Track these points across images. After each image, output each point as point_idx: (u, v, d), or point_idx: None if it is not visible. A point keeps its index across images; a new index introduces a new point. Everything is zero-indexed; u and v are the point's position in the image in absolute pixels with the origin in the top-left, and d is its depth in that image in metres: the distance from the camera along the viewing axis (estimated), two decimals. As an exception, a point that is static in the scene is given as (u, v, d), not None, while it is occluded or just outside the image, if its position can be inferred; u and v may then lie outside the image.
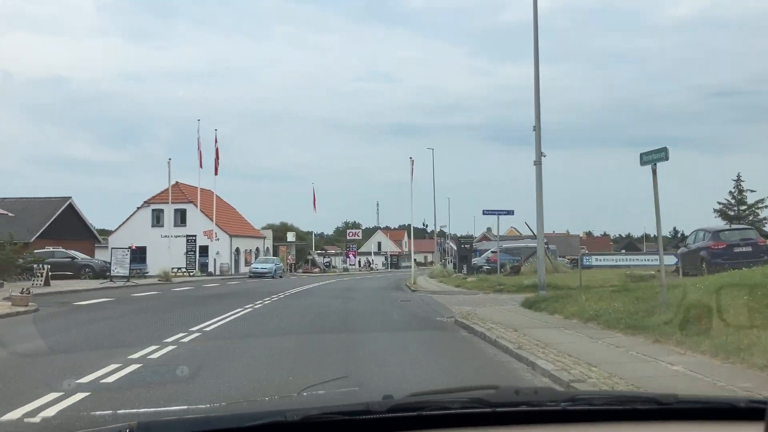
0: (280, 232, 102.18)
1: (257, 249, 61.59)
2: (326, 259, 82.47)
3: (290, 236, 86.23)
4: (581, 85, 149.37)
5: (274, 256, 64.72)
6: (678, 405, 1.89)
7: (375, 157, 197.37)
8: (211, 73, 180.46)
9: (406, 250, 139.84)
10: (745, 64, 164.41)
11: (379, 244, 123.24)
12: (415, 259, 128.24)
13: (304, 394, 3.52)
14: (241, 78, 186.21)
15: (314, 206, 79.31)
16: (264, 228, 67.35)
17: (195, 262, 48.56)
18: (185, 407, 4.50)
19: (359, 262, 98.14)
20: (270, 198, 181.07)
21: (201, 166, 49.47)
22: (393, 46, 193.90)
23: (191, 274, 47.33)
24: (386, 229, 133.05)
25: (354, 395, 2.95)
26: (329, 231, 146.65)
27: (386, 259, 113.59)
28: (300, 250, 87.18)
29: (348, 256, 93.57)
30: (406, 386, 5.39)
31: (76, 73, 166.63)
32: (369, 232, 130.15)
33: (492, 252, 43.51)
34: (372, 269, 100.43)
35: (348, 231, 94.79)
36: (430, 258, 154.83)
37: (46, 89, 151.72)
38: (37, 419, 5.01)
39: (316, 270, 74.25)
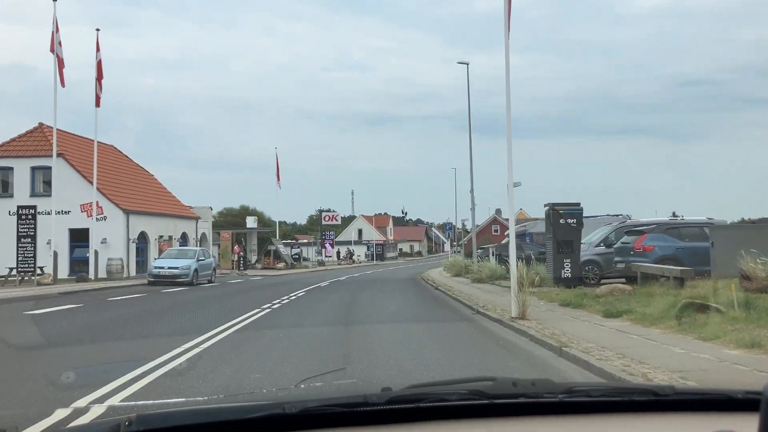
0: (238, 217, 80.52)
1: (183, 235, 38.75)
2: (295, 250, 59.70)
3: (250, 221, 64.10)
4: (552, 75, 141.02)
5: (214, 245, 42.20)
6: (675, 396, 1.84)
7: (348, 147, 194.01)
8: (180, 61, 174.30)
9: (392, 238, 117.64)
10: (711, 54, 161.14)
11: (360, 231, 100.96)
12: (401, 249, 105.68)
13: (302, 386, 3.97)
14: (211, 66, 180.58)
15: (278, 178, 56.89)
16: (199, 207, 44.18)
17: (30, 256, 25.38)
18: (183, 399, 4.98)
19: (337, 253, 75.62)
20: (240, 187, 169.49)
21: (62, 83, 26.70)
22: (366, 35, 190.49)
23: (38, 279, 24.57)
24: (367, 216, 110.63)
25: (352, 387, 2.96)
26: (302, 220, 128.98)
27: (369, 249, 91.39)
28: (263, 239, 64.90)
29: (324, 246, 71.17)
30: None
31: (41, 62, 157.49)
32: (345, 222, 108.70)
33: (621, 232, 21.30)
34: (354, 261, 78.07)
35: (323, 214, 72.23)
36: (416, 247, 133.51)
37: (9, 78, 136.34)
38: None
39: (281, 265, 51.77)
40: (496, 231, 70.73)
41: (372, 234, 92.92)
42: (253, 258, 55.56)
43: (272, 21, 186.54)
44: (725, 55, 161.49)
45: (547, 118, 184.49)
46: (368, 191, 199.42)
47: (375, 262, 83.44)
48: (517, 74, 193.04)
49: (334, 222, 73.80)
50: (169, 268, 25.44)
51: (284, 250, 53.90)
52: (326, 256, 71.86)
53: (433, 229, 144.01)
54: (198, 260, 26.90)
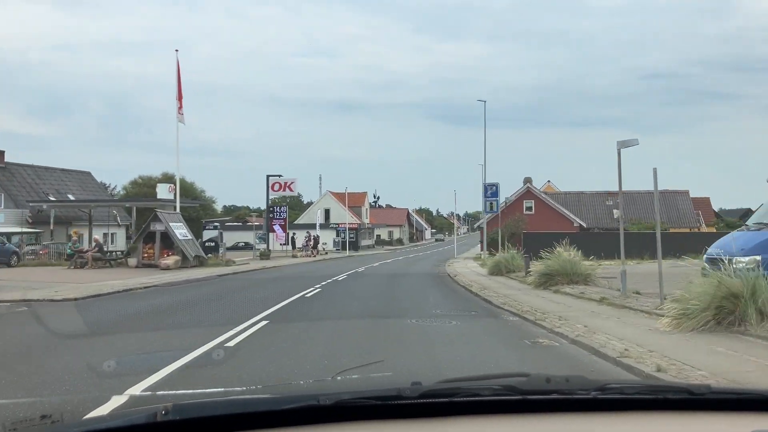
0: (149, 188, 55.70)
1: None
2: (210, 233, 33.26)
3: (162, 190, 38.55)
4: (519, 65, 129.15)
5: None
6: (711, 395, 1.75)
7: (317, 133, 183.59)
8: (145, 44, 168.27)
9: (368, 222, 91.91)
10: (676, 48, 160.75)
11: (327, 212, 75.14)
12: (378, 235, 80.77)
13: (338, 378, 3.75)
14: (176, 49, 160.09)
15: (179, 103, 31.09)
16: None
17: None
18: (222, 389, 4.86)
19: (292, 239, 49.52)
20: (205, 173, 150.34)
21: None
22: (335, 21, 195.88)
23: None
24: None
25: (387, 380, 2.76)
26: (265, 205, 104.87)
27: (338, 234, 65.78)
28: (193, 220, 39.18)
29: (273, 229, 45.40)
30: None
31: (1, 41, 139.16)
32: (304, 207, 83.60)
33: None
34: (319, 251, 52.22)
35: (272, 181, 45.99)
36: (396, 234, 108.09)
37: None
38: None
39: (170, 260, 25.90)
40: (529, 209, 45.49)
41: (343, 215, 67.00)
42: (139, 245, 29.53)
43: (238, 4, 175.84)
44: (690, 49, 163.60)
45: (514, 108, 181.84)
46: (337, 177, 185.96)
47: (348, 252, 57.74)
48: (484, 63, 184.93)
49: (289, 192, 47.77)
50: None
51: (183, 233, 27.76)
52: (281, 243, 46.13)
53: (412, 214, 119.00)
54: None
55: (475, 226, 50.99)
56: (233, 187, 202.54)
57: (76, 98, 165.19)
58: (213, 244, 30.89)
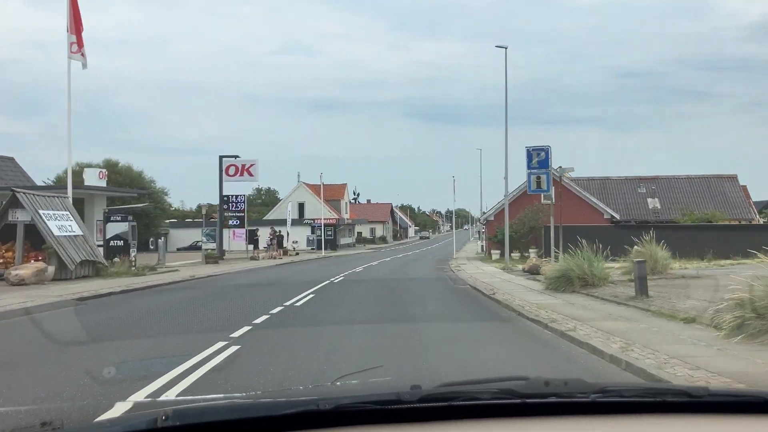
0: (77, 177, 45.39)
1: None
2: (117, 228, 23.11)
3: (91, 176, 28.54)
4: (497, 64, 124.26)
5: None
6: (709, 398, 1.72)
7: (295, 132, 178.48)
8: (121, 41, 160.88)
9: (348, 218, 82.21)
10: (651, 47, 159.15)
11: (301, 207, 65.49)
12: (359, 233, 71.66)
13: (338, 383, 3.53)
14: (153, 47, 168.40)
15: (76, 38, 20.98)
16: None
17: None
18: (222, 395, 4.68)
19: (251, 235, 39.65)
20: (184, 172, 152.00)
21: None
22: (314, 18, 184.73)
23: None
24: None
25: (387, 385, 2.72)
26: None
27: (314, 231, 56.17)
28: (139, 216, 29.37)
29: (227, 224, 35.78)
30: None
31: None
32: (270, 203, 73.96)
33: None
34: (287, 251, 42.61)
35: (226, 163, 36.24)
36: (379, 231, 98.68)
37: None
38: None
39: (29, 270, 16.06)
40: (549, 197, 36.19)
41: (319, 210, 57.19)
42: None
43: (215, 2, 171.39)
44: (665, 48, 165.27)
45: (493, 106, 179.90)
46: (316, 175, 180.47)
47: (324, 252, 48.14)
48: (462, 62, 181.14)
49: (248, 178, 37.85)
50: None
51: (64, 226, 17.96)
52: (256, 246, 36.62)
53: (396, 210, 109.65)
54: None
55: (483, 219, 41.84)
56: (213, 185, 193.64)
57: (49, 96, 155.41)
58: (121, 242, 21.26)
